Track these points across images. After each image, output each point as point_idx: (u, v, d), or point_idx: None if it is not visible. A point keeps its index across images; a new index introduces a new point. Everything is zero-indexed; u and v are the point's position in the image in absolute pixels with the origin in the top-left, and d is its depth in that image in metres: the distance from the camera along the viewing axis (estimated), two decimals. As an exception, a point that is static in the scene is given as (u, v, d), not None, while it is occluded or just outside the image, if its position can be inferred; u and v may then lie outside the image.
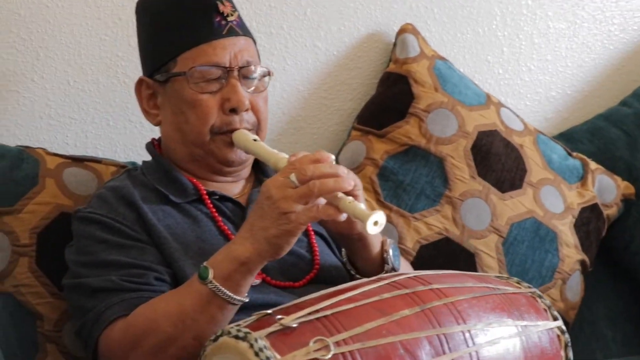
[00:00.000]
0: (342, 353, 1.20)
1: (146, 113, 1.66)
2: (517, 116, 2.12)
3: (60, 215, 1.69)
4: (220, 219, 1.57)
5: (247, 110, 1.58)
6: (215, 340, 1.23)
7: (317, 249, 1.61)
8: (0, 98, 1.88)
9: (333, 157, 1.40)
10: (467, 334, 1.30)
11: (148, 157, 1.69)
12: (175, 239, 1.51)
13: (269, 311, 1.25)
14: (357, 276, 1.54)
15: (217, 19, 1.58)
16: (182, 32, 1.58)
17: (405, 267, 1.63)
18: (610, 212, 2.10)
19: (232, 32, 1.59)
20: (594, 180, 2.09)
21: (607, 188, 2.10)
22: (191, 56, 1.58)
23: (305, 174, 1.35)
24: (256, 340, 1.18)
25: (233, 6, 1.62)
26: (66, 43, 1.91)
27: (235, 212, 1.60)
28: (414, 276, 1.37)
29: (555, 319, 1.42)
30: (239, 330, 1.21)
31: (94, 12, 1.91)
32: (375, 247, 1.53)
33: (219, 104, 1.58)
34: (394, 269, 1.53)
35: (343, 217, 1.37)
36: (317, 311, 1.25)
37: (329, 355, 1.19)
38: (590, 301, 2.07)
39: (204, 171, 1.62)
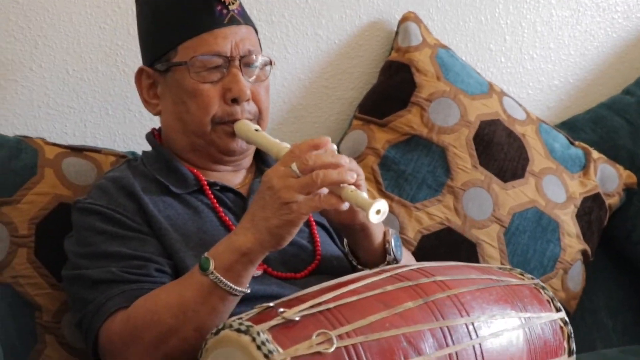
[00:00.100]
0: (345, 346, 1.19)
1: (146, 103, 1.65)
2: (520, 105, 2.11)
3: (59, 205, 1.68)
4: (221, 209, 1.56)
5: (248, 100, 1.57)
6: (216, 333, 1.22)
7: (318, 239, 1.60)
8: (-1, 87, 1.87)
9: (332, 143, 1.39)
10: (470, 327, 1.29)
11: (147, 147, 1.68)
12: (175, 230, 1.50)
13: (271, 304, 1.24)
14: (359, 267, 1.53)
15: (218, 8, 1.56)
16: (183, 20, 1.57)
17: (407, 258, 1.62)
18: (612, 201, 2.09)
19: (233, 21, 1.58)
20: (596, 170, 2.08)
21: (609, 177, 2.10)
22: (192, 45, 1.56)
23: (307, 163, 1.34)
24: (258, 333, 1.17)
25: (234, -6, 1.61)
26: (65, 32, 1.89)
27: (236, 202, 1.59)
28: (417, 268, 1.36)
29: (558, 310, 1.42)
30: (240, 324, 1.19)
31: (93, 0, 1.90)
32: (377, 238, 1.51)
33: (220, 93, 1.56)
34: (395, 260, 1.52)
35: (345, 206, 1.36)
36: (319, 304, 1.24)
37: (332, 349, 1.18)
38: (591, 291, 2.07)
39: (205, 161, 1.61)
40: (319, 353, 1.18)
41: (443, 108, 1.98)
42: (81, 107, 1.92)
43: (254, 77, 1.59)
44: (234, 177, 1.63)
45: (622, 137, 2.16)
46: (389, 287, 1.29)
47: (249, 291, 1.38)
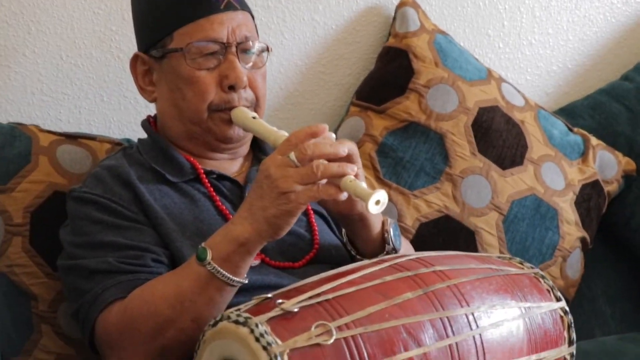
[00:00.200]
0: (345, 338, 1.18)
1: (141, 90, 1.63)
2: (518, 91, 2.09)
3: (54, 194, 1.66)
4: (218, 198, 1.54)
5: (245, 87, 1.55)
6: (214, 325, 1.21)
7: (316, 228, 1.58)
8: (-9, 73, 1.85)
9: (327, 126, 1.37)
10: (470, 317, 1.28)
11: (143, 134, 1.66)
12: (172, 219, 1.49)
13: (269, 295, 1.23)
14: (358, 257, 1.52)
15: (215, -7, 1.54)
16: (179, 6, 1.55)
17: (406, 247, 1.61)
18: (611, 188, 2.08)
19: (229, 7, 1.56)
20: (594, 156, 2.07)
21: (608, 164, 2.09)
22: (188, 31, 1.54)
23: (305, 152, 1.33)
24: (257, 325, 1.16)
25: (230, -21, 1.58)
26: (58, 17, 1.87)
27: (233, 191, 1.57)
28: (417, 258, 1.35)
29: (558, 299, 1.41)
30: (239, 315, 1.18)
31: (86, -15, 1.88)
32: (376, 227, 1.50)
33: (217, 80, 1.54)
34: (394, 249, 1.51)
35: (344, 196, 1.35)
36: (318, 295, 1.23)
37: (331, 340, 1.17)
38: (589, 278, 2.06)
39: (201, 149, 1.59)
40: (318, 345, 1.17)
41: (441, 94, 1.97)
42: (75, 94, 1.90)
43: (250, 64, 1.57)
44: (231, 165, 1.62)
45: (621, 123, 2.15)
46: (388, 278, 1.28)
47: (246, 281, 1.37)
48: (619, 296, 2.11)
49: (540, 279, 1.42)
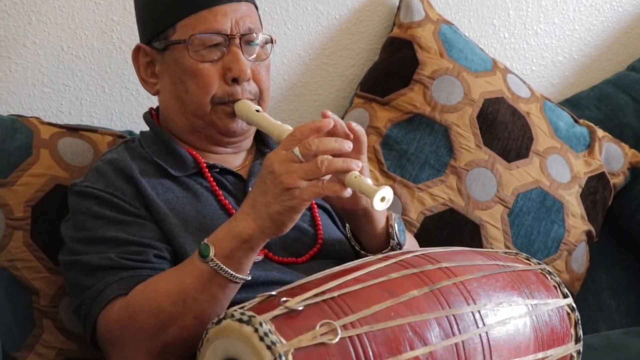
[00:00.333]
0: (350, 337, 1.17)
1: (144, 82, 1.61)
2: (524, 82, 2.07)
3: (55, 187, 1.65)
4: (220, 192, 1.53)
5: (249, 80, 1.53)
6: (218, 323, 1.19)
7: (320, 222, 1.57)
8: (-9, 64, 1.84)
9: (332, 122, 1.35)
10: (477, 315, 1.27)
11: (145, 126, 1.64)
12: (175, 214, 1.47)
13: (273, 292, 1.21)
14: (362, 252, 1.50)
15: (218, -16, 1.52)
16: (181, -3, 1.53)
17: (410, 242, 1.59)
18: (617, 180, 2.07)
19: (233, -2, 1.54)
20: (601, 149, 2.06)
21: (614, 156, 2.07)
22: (191, 23, 1.52)
23: (310, 148, 1.31)
24: (261, 324, 1.15)
25: (233, -30, 1.56)
26: (59, 7, 1.85)
27: (236, 185, 1.56)
28: (422, 254, 1.34)
29: (565, 296, 1.40)
30: (242, 314, 1.17)
31: (87, -26, 1.87)
32: (380, 222, 1.49)
33: (220, 73, 1.52)
34: (399, 244, 1.49)
35: (348, 192, 1.33)
36: (323, 293, 1.21)
37: (336, 339, 1.15)
38: (594, 271, 2.05)
39: (204, 142, 1.58)
40: (323, 344, 1.15)
41: (446, 86, 1.95)
42: (77, 85, 1.88)
43: (254, 56, 1.55)
44: (234, 159, 1.60)
45: (627, 114, 2.13)
46: (394, 275, 1.26)
47: (249, 278, 1.35)
48: (624, 289, 2.10)
49: (547, 275, 1.41)
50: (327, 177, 1.32)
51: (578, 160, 2.02)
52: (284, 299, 1.19)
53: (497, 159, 1.93)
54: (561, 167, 1.99)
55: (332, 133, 1.35)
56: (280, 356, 1.13)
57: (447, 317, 1.24)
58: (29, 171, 1.65)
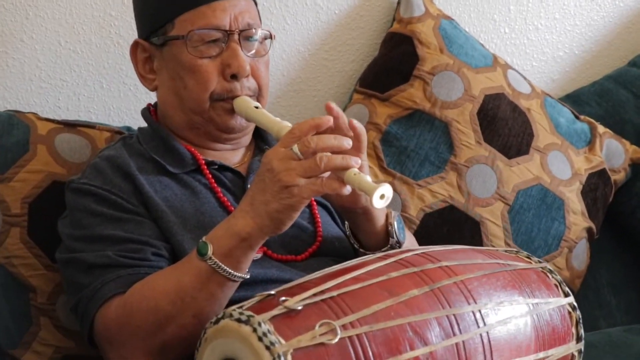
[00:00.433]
0: (349, 337, 1.16)
1: (142, 78, 1.60)
2: (525, 78, 2.06)
3: (52, 184, 1.64)
4: (219, 189, 1.52)
5: (247, 76, 1.52)
6: (216, 322, 1.18)
7: (319, 220, 1.56)
8: (-12, 60, 1.83)
9: (332, 120, 1.33)
10: (477, 314, 1.26)
11: (143, 122, 1.63)
12: (173, 211, 1.46)
13: (272, 292, 1.20)
14: (361, 250, 1.49)
15: (217, -21, 1.51)
16: (180, -8, 1.51)
17: (410, 240, 1.58)
18: (618, 177, 2.06)
19: (232, -7, 1.52)
20: (601, 145, 2.05)
21: (615, 152, 2.06)
22: (189, 18, 1.51)
23: (309, 145, 1.30)
24: (259, 324, 1.14)
25: (232, -35, 1.54)
26: (57, 1, 1.85)
27: (235, 182, 1.55)
28: (422, 253, 1.33)
29: (566, 295, 1.39)
30: (241, 314, 1.16)
31: (85, -31, 1.86)
32: (380, 220, 1.48)
33: (219, 69, 1.51)
34: (399, 243, 1.48)
35: (347, 190, 1.32)
36: (322, 292, 1.20)
37: (336, 340, 1.15)
38: (594, 268, 2.05)
39: (203, 139, 1.56)
40: (322, 344, 1.14)
41: (446, 82, 1.94)
42: (74, 81, 1.88)
43: (253, 51, 1.54)
44: (233, 155, 1.59)
45: (628, 111, 2.12)
46: (394, 274, 1.25)
47: (248, 276, 1.34)
48: (624, 287, 2.10)
49: (548, 274, 1.40)
50: (327, 174, 1.31)
51: (579, 157, 2.01)
52: (283, 298, 1.18)
53: (498, 156, 1.92)
54: (562, 164, 1.98)
55: (333, 129, 1.33)
56: (279, 356, 1.12)
57: (447, 316, 1.23)
58: (26, 167, 1.64)
